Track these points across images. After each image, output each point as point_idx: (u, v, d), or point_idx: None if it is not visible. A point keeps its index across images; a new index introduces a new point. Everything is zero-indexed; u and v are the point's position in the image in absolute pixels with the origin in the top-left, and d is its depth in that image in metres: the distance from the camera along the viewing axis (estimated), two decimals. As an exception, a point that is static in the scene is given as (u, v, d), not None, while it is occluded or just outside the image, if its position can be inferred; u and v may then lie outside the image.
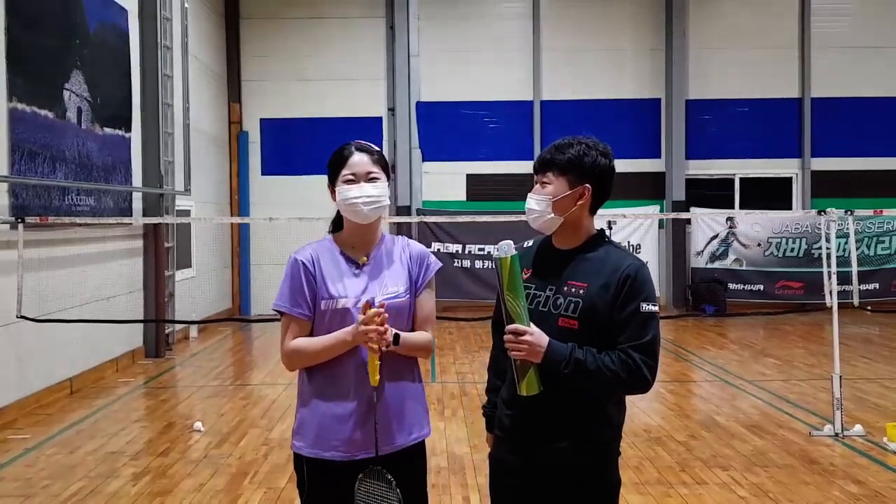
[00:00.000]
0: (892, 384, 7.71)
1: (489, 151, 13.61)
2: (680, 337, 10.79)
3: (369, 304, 2.35)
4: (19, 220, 6.62)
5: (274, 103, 13.52)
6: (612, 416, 2.41)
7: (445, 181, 13.63)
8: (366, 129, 12.95)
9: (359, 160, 2.50)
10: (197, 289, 11.47)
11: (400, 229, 11.97)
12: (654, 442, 5.85)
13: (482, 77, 13.55)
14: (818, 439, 5.86)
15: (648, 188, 13.49)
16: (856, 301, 7.04)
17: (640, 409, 6.73)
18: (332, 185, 2.54)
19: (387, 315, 2.35)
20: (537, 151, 12.94)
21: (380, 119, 13.57)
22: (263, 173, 13.60)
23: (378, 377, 2.38)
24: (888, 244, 13.13)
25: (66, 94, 7.64)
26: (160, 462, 5.49)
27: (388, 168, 2.57)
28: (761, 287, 13.20)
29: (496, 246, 2.31)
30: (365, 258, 2.53)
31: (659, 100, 13.64)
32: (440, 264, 2.67)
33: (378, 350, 2.35)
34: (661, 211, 13.22)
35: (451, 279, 12.64)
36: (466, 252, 13.17)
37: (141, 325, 9.31)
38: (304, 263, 2.49)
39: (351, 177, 2.48)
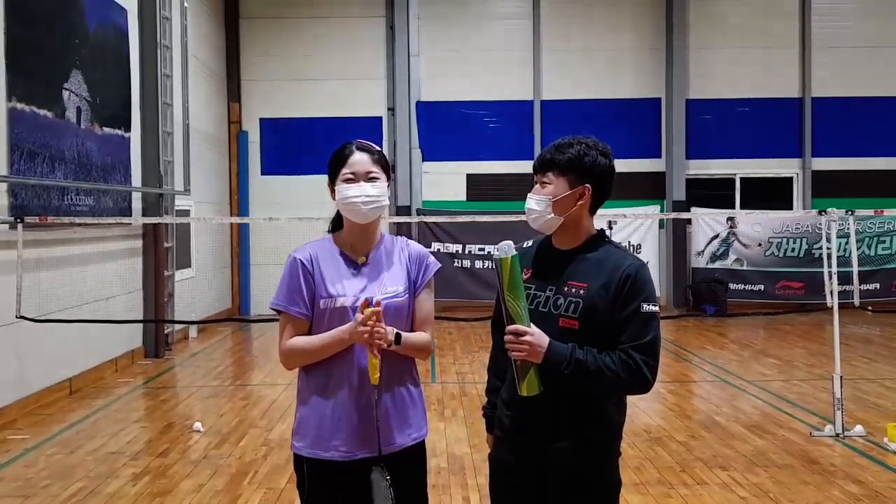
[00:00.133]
0: (892, 384, 7.70)
1: (489, 151, 13.60)
2: (680, 337, 10.78)
3: (367, 303, 2.35)
4: (18, 220, 6.61)
5: (274, 103, 13.52)
6: (612, 416, 2.40)
7: (445, 181, 13.63)
8: (366, 129, 12.94)
9: (359, 159, 2.49)
10: (196, 289, 11.46)
11: (400, 229, 11.97)
12: (654, 442, 5.84)
13: (482, 77, 13.54)
14: (818, 439, 5.85)
15: (649, 188, 13.48)
16: (856, 301, 7.02)
17: (640, 410, 6.72)
18: (331, 184, 2.54)
19: (380, 310, 2.34)
20: (537, 151, 12.93)
21: (380, 119, 13.57)
22: (263, 173, 13.59)
23: (378, 375, 2.37)
24: (889, 244, 13.13)
25: (65, 93, 7.63)
26: (160, 462, 5.48)
27: (388, 168, 2.57)
28: (762, 287, 13.20)
29: (496, 246, 2.30)
30: (364, 258, 2.53)
31: (659, 99, 13.63)
32: (439, 265, 2.67)
33: (377, 349, 2.34)
34: (662, 211, 13.21)
35: (451, 279, 12.64)
36: (466, 252, 13.17)
37: (140, 325, 9.30)
38: (302, 262, 2.48)
39: (351, 176, 2.47)
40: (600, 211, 2.53)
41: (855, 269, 6.99)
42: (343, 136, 2.80)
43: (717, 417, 6.58)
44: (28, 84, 6.93)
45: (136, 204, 9.37)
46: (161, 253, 9.64)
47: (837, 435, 5.86)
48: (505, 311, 2.30)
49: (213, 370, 8.87)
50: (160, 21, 9.68)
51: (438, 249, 12.96)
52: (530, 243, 2.58)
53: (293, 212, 11.20)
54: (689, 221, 13.28)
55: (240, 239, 13.41)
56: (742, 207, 13.65)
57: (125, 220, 8.68)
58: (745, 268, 13.31)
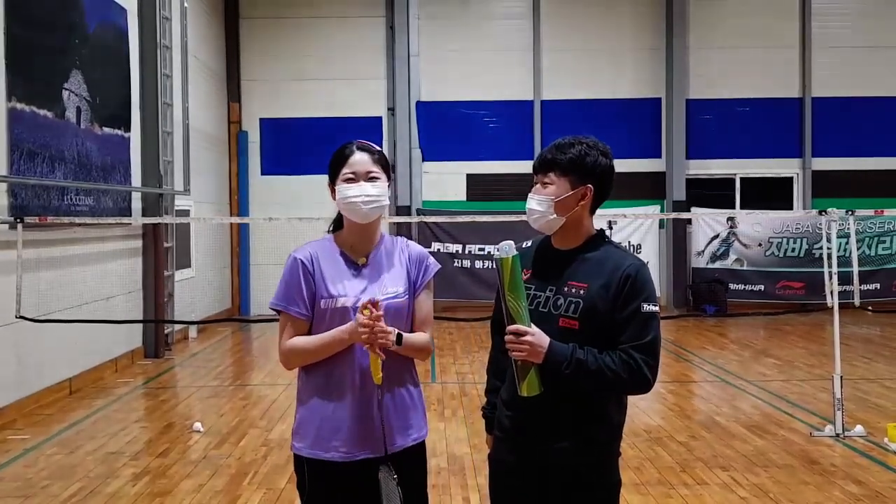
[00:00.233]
0: (892, 384, 7.70)
1: (489, 151, 13.59)
2: (680, 337, 10.78)
3: (369, 304, 2.34)
4: (18, 220, 6.61)
5: (273, 103, 13.51)
6: (612, 416, 2.40)
7: (445, 181, 13.62)
8: (366, 129, 12.93)
9: (359, 159, 2.49)
10: (196, 289, 11.46)
11: (400, 229, 11.97)
12: (654, 442, 5.84)
13: (482, 77, 13.54)
14: (819, 439, 5.85)
15: (649, 188, 13.48)
16: (857, 301, 7.02)
17: (640, 410, 6.72)
18: (332, 183, 2.53)
19: (381, 313, 2.34)
20: (537, 151, 12.93)
21: (380, 119, 13.56)
22: (263, 173, 13.59)
23: (381, 375, 2.37)
24: (889, 244, 13.12)
25: (65, 93, 7.63)
26: (160, 462, 5.48)
27: (388, 168, 2.57)
28: (762, 287, 13.19)
29: (497, 246, 2.30)
30: (364, 259, 2.53)
31: (659, 99, 13.63)
32: (439, 266, 2.67)
33: (379, 349, 2.34)
34: (662, 211, 13.21)
35: (451, 279, 12.63)
36: (466, 252, 13.16)
37: (140, 325, 9.30)
38: (303, 262, 2.48)
39: (351, 175, 2.47)
40: (600, 211, 2.53)
41: (855, 269, 6.98)
42: (343, 136, 2.80)
43: (717, 417, 6.57)
44: (28, 84, 6.92)
45: (136, 204, 9.37)
46: (161, 253, 9.64)
47: (838, 435, 5.86)
48: (505, 311, 2.30)
49: (213, 370, 8.87)
50: (160, 21, 9.68)
51: (438, 249, 12.96)
52: (529, 243, 2.57)
53: (293, 212, 11.21)
54: (689, 221, 13.28)
55: (240, 239, 13.41)
56: (742, 207, 13.65)
57: (125, 220, 8.68)
58: (745, 268, 13.30)
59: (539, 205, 2.40)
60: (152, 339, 9.48)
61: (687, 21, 13.43)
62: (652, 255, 13.30)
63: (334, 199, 2.53)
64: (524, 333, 2.25)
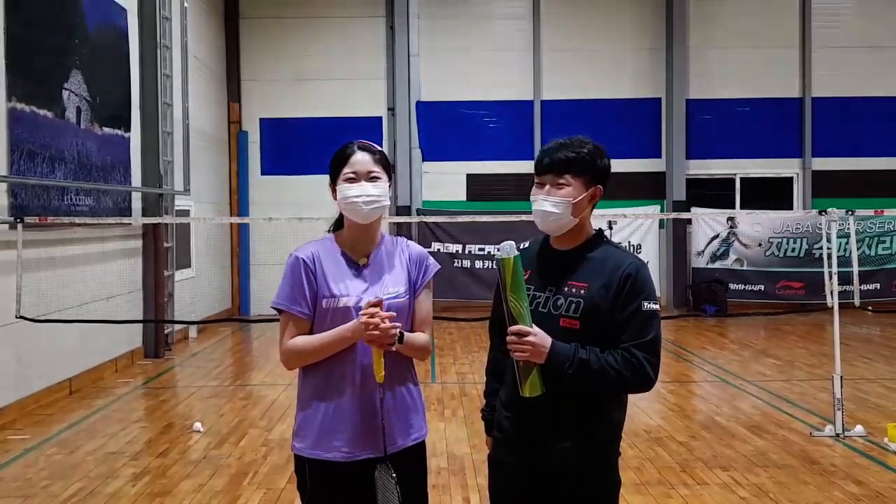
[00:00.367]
0: (892, 384, 7.70)
1: (489, 151, 13.60)
2: (680, 337, 10.78)
3: (374, 303, 2.34)
4: (18, 220, 6.60)
5: (273, 103, 13.52)
6: (612, 415, 2.41)
7: (445, 181, 13.62)
8: (366, 129, 12.94)
9: (360, 159, 2.49)
10: (196, 289, 11.46)
11: (400, 229, 11.97)
12: (654, 442, 5.84)
13: (482, 77, 13.54)
14: (819, 439, 5.85)
15: (649, 188, 13.48)
16: (857, 301, 7.01)
17: (640, 410, 6.72)
18: (333, 183, 2.53)
19: (393, 314, 2.34)
20: (537, 151, 12.92)
21: (380, 119, 13.57)
22: (263, 173, 13.59)
23: (383, 373, 2.37)
24: (889, 244, 13.12)
25: (65, 93, 7.63)
26: (160, 462, 5.48)
27: (389, 168, 2.56)
28: (762, 287, 13.19)
29: (498, 246, 2.29)
30: (365, 259, 2.52)
31: (659, 100, 13.63)
32: (439, 266, 2.67)
33: (382, 346, 2.34)
34: (662, 211, 13.21)
35: (451, 279, 12.63)
36: (466, 252, 13.16)
37: (140, 325, 9.30)
38: (304, 261, 2.47)
39: (352, 175, 2.47)
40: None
41: (855, 269, 6.98)
42: (343, 136, 2.79)
43: (717, 417, 6.57)
44: (28, 84, 6.92)
45: (136, 204, 9.37)
46: (161, 253, 9.64)
47: (838, 435, 5.86)
48: (507, 311, 2.29)
49: (213, 370, 8.87)
50: (160, 21, 9.68)
51: (438, 249, 12.95)
52: (527, 244, 2.57)
53: (293, 212, 11.19)
54: (689, 221, 13.28)
55: (240, 239, 13.41)
56: (742, 207, 13.65)
57: (125, 220, 8.68)
58: (745, 268, 13.30)
59: (556, 207, 2.36)
60: (152, 339, 9.48)
61: (687, 21, 13.43)
62: (652, 255, 13.30)
63: (335, 199, 2.52)
64: (526, 334, 2.25)
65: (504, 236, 2.60)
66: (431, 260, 2.64)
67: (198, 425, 6.32)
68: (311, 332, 2.47)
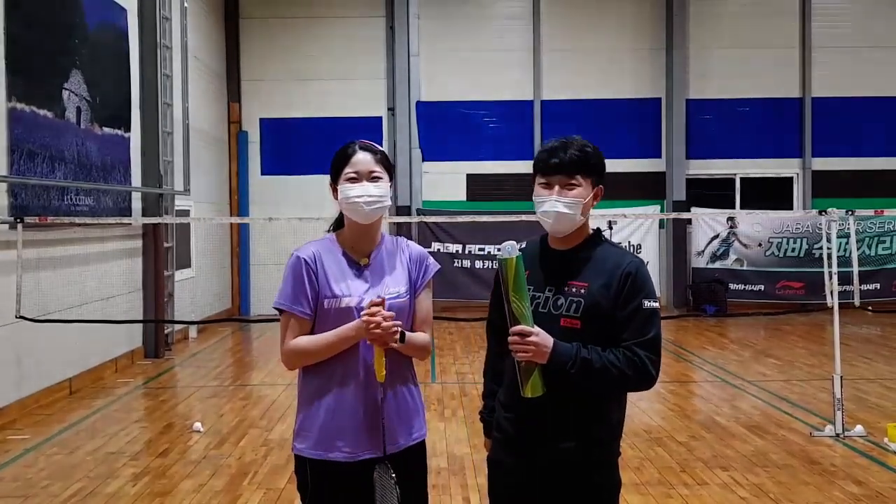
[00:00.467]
0: (892, 384, 7.70)
1: (489, 151, 13.60)
2: (680, 337, 10.78)
3: (377, 303, 2.34)
4: (18, 220, 6.60)
5: (273, 103, 13.51)
6: (612, 415, 2.41)
7: (445, 181, 13.62)
8: (366, 129, 12.93)
9: (362, 159, 2.48)
10: (196, 289, 11.46)
11: (400, 229, 11.96)
12: (654, 442, 5.84)
13: (482, 77, 13.54)
14: (819, 440, 5.85)
15: (649, 188, 13.48)
16: (857, 301, 7.01)
17: (640, 410, 6.72)
18: (334, 183, 2.53)
19: (393, 314, 2.35)
20: (537, 151, 12.91)
21: (380, 119, 13.56)
22: (263, 173, 13.59)
23: (384, 373, 2.37)
24: (889, 244, 13.12)
25: (65, 93, 7.63)
26: (160, 462, 5.48)
27: (391, 168, 2.56)
28: (762, 287, 13.19)
29: (499, 247, 2.29)
30: (366, 259, 2.52)
31: (659, 99, 13.63)
32: (438, 266, 2.67)
33: (384, 345, 2.33)
34: (662, 211, 13.21)
35: (451, 279, 12.63)
36: (466, 252, 13.16)
37: (140, 325, 9.30)
38: (306, 261, 2.46)
39: (354, 175, 2.47)
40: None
41: (855, 269, 6.98)
42: (343, 136, 2.79)
43: (717, 417, 6.57)
44: (28, 84, 6.92)
45: (136, 204, 9.37)
46: (161, 253, 9.64)
47: (838, 435, 5.86)
48: (509, 312, 2.29)
49: (213, 370, 8.87)
50: (160, 21, 9.68)
51: (438, 249, 12.95)
52: (524, 244, 2.56)
53: (293, 212, 11.20)
54: (689, 221, 13.27)
55: (240, 239, 13.40)
56: (742, 207, 13.65)
57: (125, 220, 8.68)
58: (745, 268, 13.30)
59: (569, 208, 2.35)
60: (152, 339, 9.48)
61: (687, 21, 13.44)
62: (652, 255, 13.30)
63: (336, 198, 2.52)
64: (529, 334, 2.24)
65: (504, 236, 2.60)
66: (431, 260, 2.64)
67: (198, 425, 6.32)
68: (312, 332, 2.47)
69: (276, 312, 2.51)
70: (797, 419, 6.46)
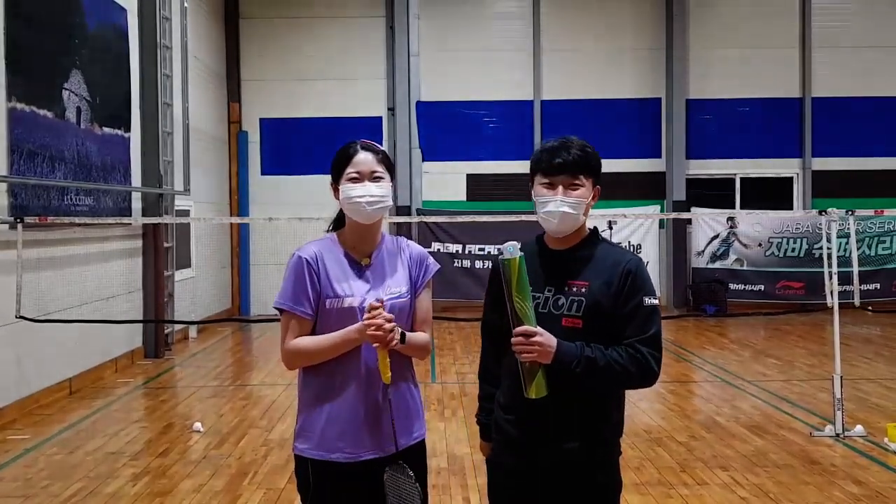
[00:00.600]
0: (893, 384, 7.70)
1: (489, 151, 13.60)
2: (680, 337, 10.78)
3: (377, 303, 2.34)
4: (18, 220, 6.60)
5: (274, 103, 13.51)
6: (614, 414, 2.42)
7: (445, 181, 13.62)
8: (366, 129, 12.94)
9: (364, 159, 2.48)
10: (196, 289, 11.46)
11: (400, 229, 11.96)
12: (654, 442, 5.84)
13: (482, 77, 13.54)
14: (819, 440, 5.85)
15: (649, 188, 13.47)
16: (857, 301, 7.01)
17: (640, 410, 6.72)
18: (335, 183, 2.52)
19: (392, 316, 2.34)
20: (536, 151, 12.90)
21: (380, 119, 13.57)
22: (263, 173, 13.59)
23: (389, 374, 2.37)
24: (889, 244, 13.12)
25: (65, 93, 7.63)
26: (160, 462, 5.48)
27: (392, 168, 2.56)
28: (762, 287, 13.19)
29: (501, 247, 2.29)
30: (367, 260, 2.52)
31: (659, 99, 13.63)
32: (438, 266, 2.67)
33: (385, 347, 2.33)
34: (662, 211, 13.21)
35: (450, 279, 12.62)
36: (466, 252, 13.16)
37: (140, 325, 9.30)
38: (308, 261, 2.46)
39: (355, 175, 2.46)
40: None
41: (855, 269, 6.97)
42: (343, 137, 2.79)
43: (717, 417, 6.57)
44: (28, 84, 6.92)
45: (136, 204, 9.37)
46: (161, 253, 9.64)
47: (838, 435, 5.86)
48: (512, 312, 2.28)
49: (213, 370, 8.87)
50: (160, 21, 9.68)
51: (438, 249, 12.95)
52: (519, 245, 2.56)
53: (293, 212, 11.19)
54: (689, 221, 13.27)
55: (240, 239, 13.41)
56: (742, 207, 13.65)
57: (125, 220, 8.68)
58: (745, 268, 13.30)
59: (573, 208, 2.35)
60: (152, 339, 9.48)
61: (687, 21, 13.43)
62: (652, 255, 13.30)
63: (337, 198, 2.52)
64: (533, 334, 2.23)
65: (504, 236, 2.59)
66: (431, 259, 2.64)
67: (198, 425, 6.32)
68: (313, 332, 2.46)
69: (277, 312, 2.50)
70: (797, 419, 6.46)
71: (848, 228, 7.16)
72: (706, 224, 13.36)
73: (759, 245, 13.30)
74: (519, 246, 2.31)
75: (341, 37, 13.51)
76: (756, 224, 13.20)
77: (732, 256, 13.34)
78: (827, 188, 13.42)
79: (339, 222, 2.60)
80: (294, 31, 13.50)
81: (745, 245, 13.32)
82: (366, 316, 2.33)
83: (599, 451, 2.37)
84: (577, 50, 13.60)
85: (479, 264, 13.07)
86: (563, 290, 2.36)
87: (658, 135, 13.66)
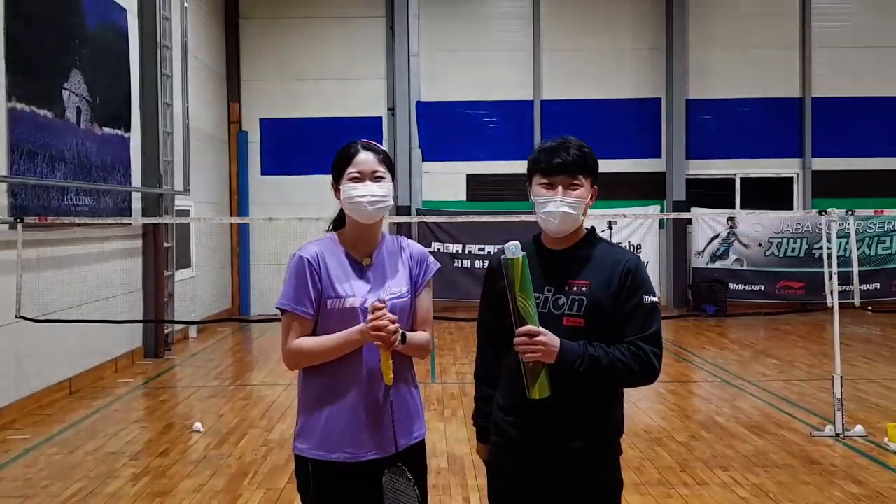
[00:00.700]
0: (892, 384, 7.70)
1: (489, 151, 13.59)
2: (680, 337, 10.78)
3: (379, 304, 2.34)
4: (18, 220, 6.60)
5: (274, 103, 13.52)
6: (616, 412, 2.42)
7: (445, 181, 13.62)
8: (366, 129, 12.92)
9: (365, 158, 2.48)
10: (196, 289, 11.46)
11: (400, 229, 11.96)
12: (654, 442, 5.84)
13: (482, 77, 13.54)
14: (819, 439, 5.85)
15: (649, 188, 13.47)
16: (857, 301, 7.01)
17: (640, 410, 6.72)
18: (336, 182, 2.52)
19: (395, 317, 2.34)
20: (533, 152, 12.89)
21: (380, 119, 13.57)
22: (263, 173, 13.59)
23: (392, 375, 2.37)
24: (889, 244, 13.12)
25: (65, 93, 7.63)
26: (160, 462, 5.48)
27: (393, 168, 2.56)
28: (762, 287, 13.19)
29: (503, 247, 2.28)
30: (368, 259, 2.52)
31: (659, 99, 13.63)
32: (439, 265, 2.67)
33: (388, 347, 2.33)
34: (662, 211, 13.21)
35: (450, 279, 12.62)
36: (466, 252, 13.16)
37: (140, 325, 9.30)
38: (309, 262, 2.45)
39: (357, 175, 2.46)
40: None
41: (855, 269, 6.97)
42: (343, 137, 2.79)
43: (717, 417, 6.57)
44: (28, 84, 6.92)
45: (136, 204, 9.37)
46: (161, 253, 9.64)
47: (838, 435, 5.86)
48: (515, 312, 2.27)
49: (213, 370, 8.87)
50: (160, 21, 9.68)
51: (438, 249, 12.95)
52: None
53: (293, 212, 11.19)
54: (689, 221, 13.27)
55: (240, 239, 13.41)
56: (742, 207, 13.65)
57: (125, 220, 8.68)
58: (745, 268, 13.30)
59: (573, 208, 2.36)
60: (152, 339, 9.47)
61: (687, 21, 13.43)
62: (652, 255, 13.30)
63: (338, 198, 2.52)
64: (537, 334, 2.23)
65: (504, 236, 2.59)
66: (432, 259, 2.64)
67: (198, 425, 6.32)
68: (313, 333, 2.46)
69: (277, 312, 2.50)
70: (797, 419, 6.46)
71: (848, 228, 7.16)
72: (706, 224, 13.36)
73: (759, 245, 13.30)
74: (520, 245, 2.31)
75: (341, 37, 13.51)
76: (756, 224, 13.20)
77: (732, 256, 13.34)
78: (827, 188, 13.42)
79: (338, 222, 2.60)
80: (294, 31, 13.50)
81: (745, 245, 13.32)
82: (369, 317, 2.32)
83: (602, 450, 2.37)
84: (577, 50, 13.60)
85: (479, 264, 13.06)
86: (563, 289, 2.36)
87: (658, 135, 13.66)
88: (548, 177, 2.39)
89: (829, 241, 6.82)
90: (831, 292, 6.42)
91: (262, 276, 13.06)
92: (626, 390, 2.50)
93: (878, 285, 12.90)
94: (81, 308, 7.92)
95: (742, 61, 13.51)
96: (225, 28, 13.33)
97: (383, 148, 2.55)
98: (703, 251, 13.40)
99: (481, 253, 13.06)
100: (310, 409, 2.48)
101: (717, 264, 13.33)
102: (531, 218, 2.45)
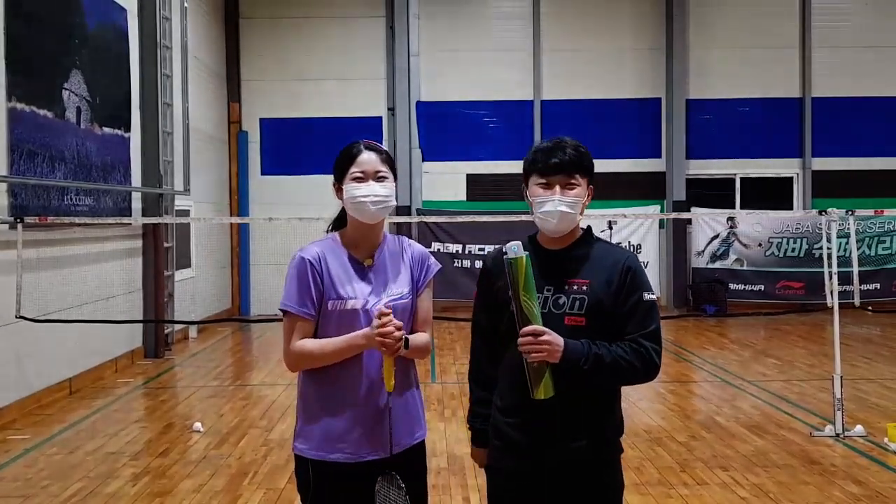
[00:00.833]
0: (893, 384, 7.70)
1: (489, 151, 13.59)
2: (680, 337, 10.78)
3: (384, 312, 2.33)
4: (18, 220, 6.60)
5: (274, 103, 13.52)
6: (616, 412, 2.43)
7: (445, 181, 13.62)
8: (366, 129, 12.93)
9: (368, 158, 2.48)
10: (196, 289, 11.46)
11: (400, 229, 11.96)
12: (654, 442, 5.84)
13: (482, 77, 13.54)
14: (819, 439, 5.85)
15: (649, 188, 13.47)
16: (857, 301, 7.01)
17: (640, 410, 6.72)
18: (338, 183, 2.52)
19: (401, 323, 2.34)
20: (530, 152, 12.89)
21: (380, 119, 13.57)
22: (263, 173, 13.59)
23: (393, 382, 2.36)
24: (889, 244, 13.12)
25: (65, 93, 7.62)
26: (160, 462, 5.48)
27: (395, 168, 2.56)
28: (762, 287, 13.19)
29: (505, 247, 2.28)
30: (370, 260, 2.52)
31: (659, 99, 13.63)
32: (440, 266, 2.66)
33: (393, 354, 2.32)
34: (662, 211, 13.21)
35: (451, 279, 12.61)
36: (466, 252, 13.16)
37: (140, 325, 9.29)
38: (311, 263, 2.45)
39: (360, 175, 2.46)
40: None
41: (855, 269, 6.97)
42: (343, 136, 2.79)
43: (717, 417, 6.57)
44: (28, 84, 6.92)
45: (136, 204, 9.37)
46: (161, 253, 9.64)
47: (838, 435, 5.86)
48: (518, 312, 2.26)
49: (213, 370, 8.87)
50: (160, 21, 9.68)
51: (438, 249, 12.95)
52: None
53: (293, 212, 11.18)
54: (689, 221, 13.28)
55: (240, 239, 13.40)
56: (742, 207, 13.65)
57: (125, 220, 8.68)
58: (745, 268, 13.30)
59: (571, 208, 2.36)
60: (152, 339, 9.47)
61: (687, 21, 13.43)
62: (652, 255, 13.31)
63: (340, 198, 2.51)
64: (542, 333, 2.22)
65: (504, 236, 2.59)
66: (433, 259, 2.63)
67: (198, 425, 6.32)
68: (315, 333, 2.45)
69: (278, 312, 2.50)
70: (797, 419, 6.46)
71: (848, 228, 7.16)
72: (706, 224, 13.36)
73: (759, 245, 13.30)
74: (522, 245, 2.31)
75: (341, 37, 13.51)
76: (756, 224, 13.20)
77: (732, 256, 13.34)
78: (827, 188, 13.42)
79: (338, 222, 2.60)
80: (294, 31, 13.50)
81: (745, 245, 13.32)
82: (375, 322, 2.31)
83: (606, 449, 2.37)
84: (577, 50, 13.60)
85: (479, 264, 13.01)
86: (562, 289, 2.36)
87: (658, 135, 13.66)
88: (545, 177, 2.39)
89: (829, 241, 6.82)
90: (831, 292, 6.42)
91: (262, 276, 13.06)
92: (624, 390, 2.51)
93: (878, 285, 12.90)
94: (81, 308, 7.92)
95: (742, 61, 13.51)
96: (225, 28, 13.33)
97: (385, 148, 2.56)
98: (703, 251, 13.40)
99: (481, 253, 13.06)
100: (310, 409, 2.47)
101: (717, 264, 13.33)
102: (531, 218, 2.45)
